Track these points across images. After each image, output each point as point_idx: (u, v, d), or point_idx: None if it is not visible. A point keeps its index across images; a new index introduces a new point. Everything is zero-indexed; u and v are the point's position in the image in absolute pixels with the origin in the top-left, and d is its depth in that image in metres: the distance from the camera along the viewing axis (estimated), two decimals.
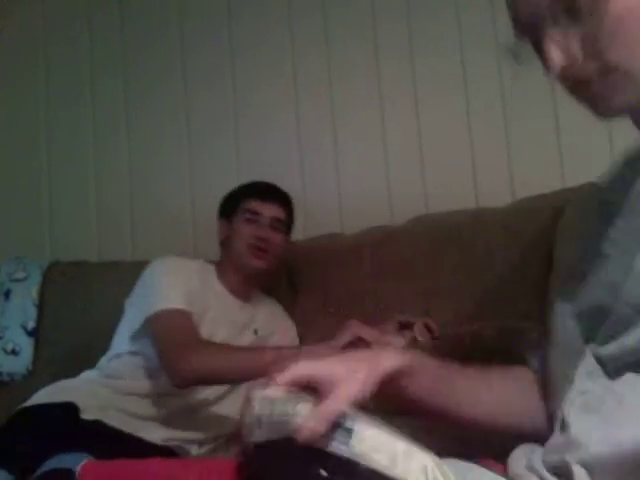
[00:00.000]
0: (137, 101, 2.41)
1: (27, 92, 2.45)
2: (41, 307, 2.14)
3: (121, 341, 1.67)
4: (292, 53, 2.35)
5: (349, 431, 0.60)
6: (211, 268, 1.79)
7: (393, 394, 0.72)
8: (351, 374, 0.65)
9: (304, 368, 0.67)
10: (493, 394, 0.78)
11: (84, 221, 2.38)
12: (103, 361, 1.70)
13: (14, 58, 2.46)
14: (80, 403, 1.50)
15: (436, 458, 0.59)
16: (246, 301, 1.79)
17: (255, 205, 1.76)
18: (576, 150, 2.05)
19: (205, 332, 1.60)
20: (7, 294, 2.15)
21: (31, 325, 2.12)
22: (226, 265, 1.79)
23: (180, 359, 1.45)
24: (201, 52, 2.40)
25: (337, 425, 0.61)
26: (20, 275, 2.16)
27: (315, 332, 1.85)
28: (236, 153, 2.35)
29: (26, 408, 1.53)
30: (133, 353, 1.63)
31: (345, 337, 1.43)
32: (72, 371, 1.68)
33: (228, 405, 1.65)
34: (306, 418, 0.61)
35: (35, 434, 1.42)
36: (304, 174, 2.28)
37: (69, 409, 1.48)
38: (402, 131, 2.27)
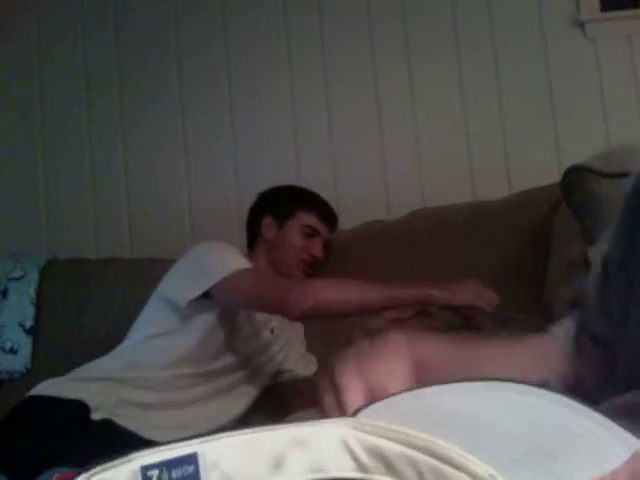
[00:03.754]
0: (133, 97, 2.40)
1: (22, 92, 2.44)
2: (39, 305, 2.13)
3: (156, 321, 1.60)
4: (288, 50, 2.35)
5: (190, 459, 0.35)
6: None
7: None
8: None
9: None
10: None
11: (81, 218, 2.37)
12: (125, 348, 1.62)
13: (8, 62, 2.45)
14: (90, 401, 1.45)
15: (361, 422, 0.40)
16: None
17: (316, 223, 1.79)
18: (573, 143, 2.05)
19: (227, 328, 1.59)
20: (4, 293, 2.14)
21: (29, 323, 2.11)
22: (259, 263, 1.73)
23: (292, 290, 1.42)
24: (197, 47, 2.39)
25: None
26: (17, 274, 2.16)
27: (312, 327, 1.85)
28: (233, 149, 2.35)
29: (33, 398, 1.48)
30: (165, 335, 1.56)
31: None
32: (71, 369, 1.66)
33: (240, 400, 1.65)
34: None
35: (39, 436, 1.38)
36: (300, 169, 2.28)
37: (78, 408, 1.44)
38: (399, 125, 2.28)
